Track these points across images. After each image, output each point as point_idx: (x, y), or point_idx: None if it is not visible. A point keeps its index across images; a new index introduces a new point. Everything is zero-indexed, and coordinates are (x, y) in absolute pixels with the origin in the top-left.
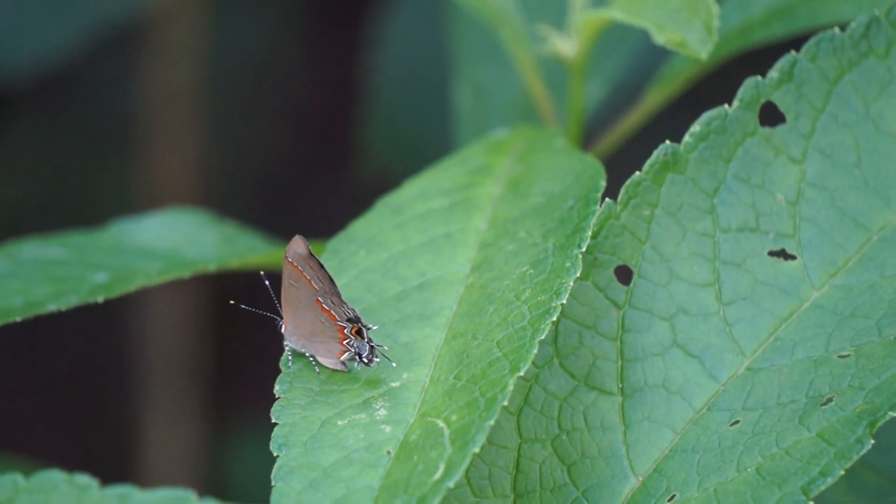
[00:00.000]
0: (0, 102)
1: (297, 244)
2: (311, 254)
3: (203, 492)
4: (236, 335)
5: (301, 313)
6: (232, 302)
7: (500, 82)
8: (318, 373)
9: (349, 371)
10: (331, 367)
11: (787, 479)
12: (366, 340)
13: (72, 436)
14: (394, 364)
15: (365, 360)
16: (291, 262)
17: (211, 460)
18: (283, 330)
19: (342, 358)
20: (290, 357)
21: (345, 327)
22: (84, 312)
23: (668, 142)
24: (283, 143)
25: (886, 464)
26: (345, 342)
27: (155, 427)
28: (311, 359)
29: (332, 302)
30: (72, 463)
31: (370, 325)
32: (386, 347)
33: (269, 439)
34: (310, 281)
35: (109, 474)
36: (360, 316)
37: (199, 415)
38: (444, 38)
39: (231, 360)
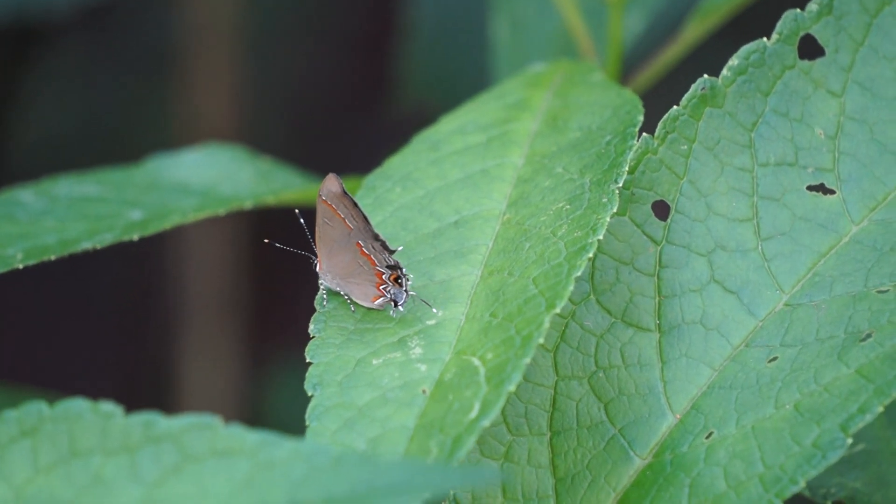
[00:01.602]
0: (41, 37)
1: (331, 182)
2: (345, 192)
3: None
4: (274, 271)
5: (336, 252)
6: (266, 241)
7: (538, 16)
8: (353, 311)
9: (394, 315)
10: (365, 306)
11: (825, 416)
12: (404, 289)
13: (107, 374)
14: (434, 310)
15: (401, 308)
16: (325, 201)
17: (247, 396)
18: (317, 268)
19: (376, 302)
20: (324, 296)
21: (383, 273)
22: (121, 248)
23: (706, 76)
24: (320, 77)
25: None
26: (381, 287)
27: (191, 364)
28: (346, 297)
29: (372, 247)
30: (107, 399)
31: (410, 276)
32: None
33: (304, 376)
34: (344, 219)
35: (146, 410)
36: (400, 264)
37: (235, 351)
38: None
39: (268, 296)
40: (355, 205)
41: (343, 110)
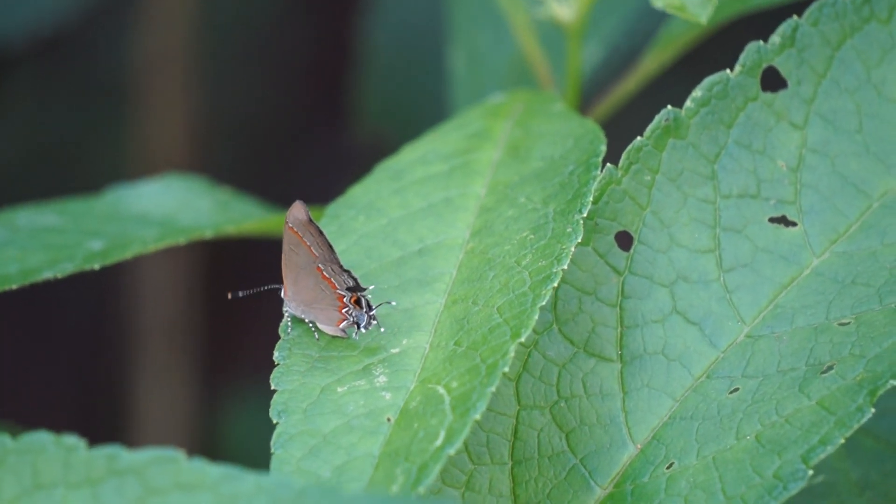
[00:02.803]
0: None
1: (298, 210)
2: (311, 220)
3: (194, 453)
4: (228, 301)
5: (301, 279)
6: (230, 295)
7: (495, 46)
8: (318, 339)
9: (348, 338)
10: (330, 333)
11: (786, 448)
12: (364, 310)
13: (64, 401)
14: (382, 329)
15: (363, 330)
16: (292, 228)
17: (204, 425)
18: (283, 295)
19: (341, 326)
20: (289, 323)
21: (344, 296)
22: (75, 278)
23: (669, 107)
24: (276, 106)
25: (884, 429)
26: (343, 310)
27: (148, 392)
28: (311, 325)
29: (332, 270)
30: (63, 429)
31: (369, 295)
32: (392, 302)
33: (262, 404)
34: (310, 247)
35: (101, 439)
36: (360, 285)
37: (192, 379)
38: (438, 1)
39: (224, 324)
40: (321, 233)
41: (298, 139)
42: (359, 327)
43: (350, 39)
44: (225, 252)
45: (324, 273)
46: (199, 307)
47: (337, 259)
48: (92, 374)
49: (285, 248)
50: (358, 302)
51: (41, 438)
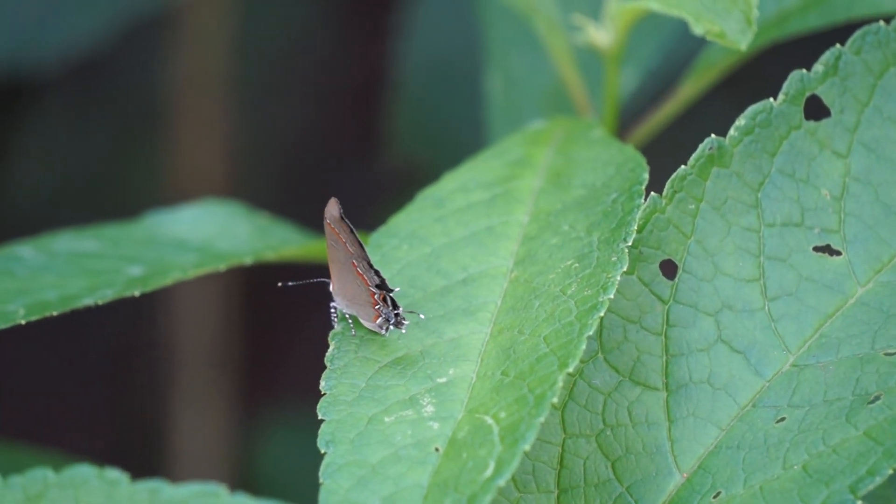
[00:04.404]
0: (31, 92)
1: (332, 207)
2: (342, 217)
3: (231, 481)
4: (264, 327)
5: (343, 275)
6: (280, 284)
7: (532, 70)
8: (354, 334)
9: (386, 335)
10: (371, 329)
11: (834, 478)
12: (390, 308)
13: (101, 427)
14: (421, 315)
15: (392, 328)
16: (329, 224)
17: (240, 450)
18: (331, 289)
19: (377, 322)
20: (335, 318)
21: (374, 292)
22: (111, 304)
23: (713, 136)
24: (311, 131)
25: None
26: (376, 307)
27: (184, 417)
28: (351, 320)
29: (364, 267)
30: (100, 454)
31: (392, 290)
32: (421, 315)
33: (301, 429)
34: (345, 243)
35: (139, 465)
36: (385, 281)
37: (228, 405)
38: (473, 25)
39: (260, 350)
40: (352, 230)
41: (332, 163)
42: (389, 323)
43: (384, 64)
44: (260, 279)
45: (358, 269)
46: (236, 333)
47: (367, 256)
48: (129, 401)
49: (328, 243)
50: (385, 299)
51: (84, 472)
